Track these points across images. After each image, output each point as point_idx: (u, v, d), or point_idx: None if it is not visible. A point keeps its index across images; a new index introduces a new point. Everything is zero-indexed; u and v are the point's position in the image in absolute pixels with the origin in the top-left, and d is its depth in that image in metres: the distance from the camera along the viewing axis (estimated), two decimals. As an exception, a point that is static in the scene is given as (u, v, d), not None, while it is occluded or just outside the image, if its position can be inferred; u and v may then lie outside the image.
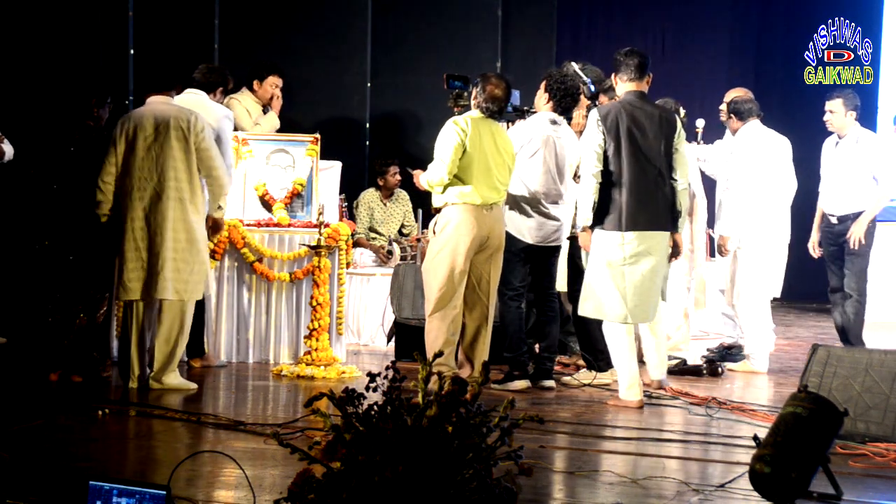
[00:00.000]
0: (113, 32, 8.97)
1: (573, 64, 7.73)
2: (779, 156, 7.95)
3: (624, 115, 6.37)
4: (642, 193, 6.35)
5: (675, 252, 6.55)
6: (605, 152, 6.37)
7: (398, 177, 9.63)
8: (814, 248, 8.14)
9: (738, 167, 7.86)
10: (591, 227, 6.44)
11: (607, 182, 6.38)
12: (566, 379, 7.20)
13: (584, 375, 7.17)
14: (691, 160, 7.64)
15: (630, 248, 6.36)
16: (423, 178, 6.83)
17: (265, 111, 8.50)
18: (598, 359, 7.13)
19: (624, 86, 6.51)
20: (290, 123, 8.90)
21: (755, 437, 4.58)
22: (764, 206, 7.85)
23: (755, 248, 7.87)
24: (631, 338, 6.51)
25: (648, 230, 6.38)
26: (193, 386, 6.64)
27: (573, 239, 7.20)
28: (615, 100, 7.11)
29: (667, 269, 6.58)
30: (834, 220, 7.93)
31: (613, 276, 6.39)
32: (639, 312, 6.44)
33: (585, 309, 6.57)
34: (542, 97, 7.13)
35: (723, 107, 8.40)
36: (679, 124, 6.57)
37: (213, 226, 6.85)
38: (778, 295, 8.16)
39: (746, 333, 7.91)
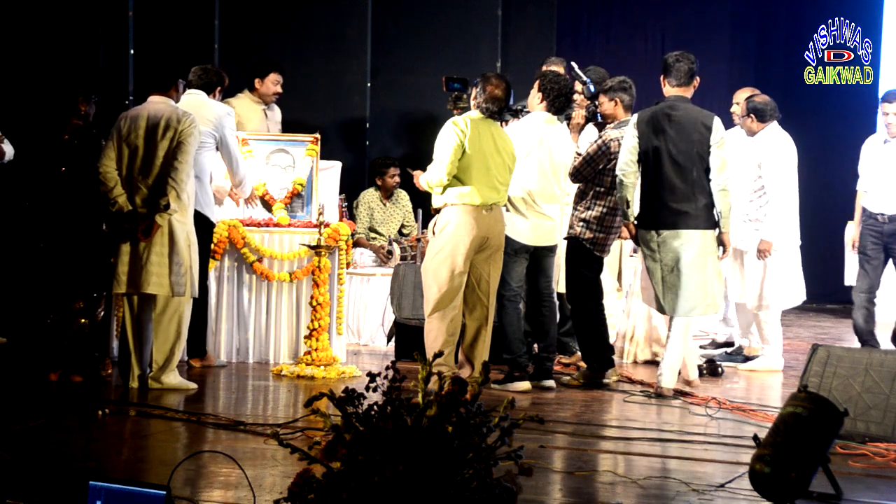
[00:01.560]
0: (113, 32, 8.98)
1: (573, 64, 7.73)
2: (796, 159, 7.98)
3: (661, 119, 6.71)
4: (676, 194, 6.70)
5: (723, 249, 6.85)
6: (640, 154, 6.71)
7: (397, 178, 9.63)
8: (854, 245, 8.18)
9: (776, 172, 7.81)
10: (636, 223, 6.81)
11: (645, 182, 6.79)
12: (566, 379, 7.20)
13: (584, 375, 7.17)
14: None
15: (664, 246, 6.71)
16: (422, 179, 6.83)
17: (270, 108, 8.51)
18: (598, 359, 7.13)
19: (671, 90, 6.82)
20: (290, 123, 8.90)
21: (755, 437, 4.59)
22: (794, 210, 7.90)
23: (789, 252, 7.91)
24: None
25: (682, 229, 6.70)
26: (193, 386, 6.64)
27: (571, 240, 7.20)
28: (605, 101, 7.16)
29: (714, 267, 6.80)
30: (884, 220, 7.92)
31: (653, 270, 6.79)
32: (673, 306, 6.77)
33: (644, 298, 7.19)
34: (535, 97, 7.11)
35: (735, 108, 8.36)
36: (717, 127, 6.79)
37: (145, 228, 6.49)
38: (805, 298, 8.25)
39: (769, 335, 7.90)
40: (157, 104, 6.64)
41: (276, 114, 8.60)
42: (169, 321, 6.58)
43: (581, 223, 7.14)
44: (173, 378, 6.59)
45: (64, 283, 6.85)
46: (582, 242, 7.13)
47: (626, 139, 6.76)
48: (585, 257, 7.16)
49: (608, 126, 7.26)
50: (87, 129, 7.00)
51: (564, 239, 7.27)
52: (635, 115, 6.82)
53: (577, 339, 7.40)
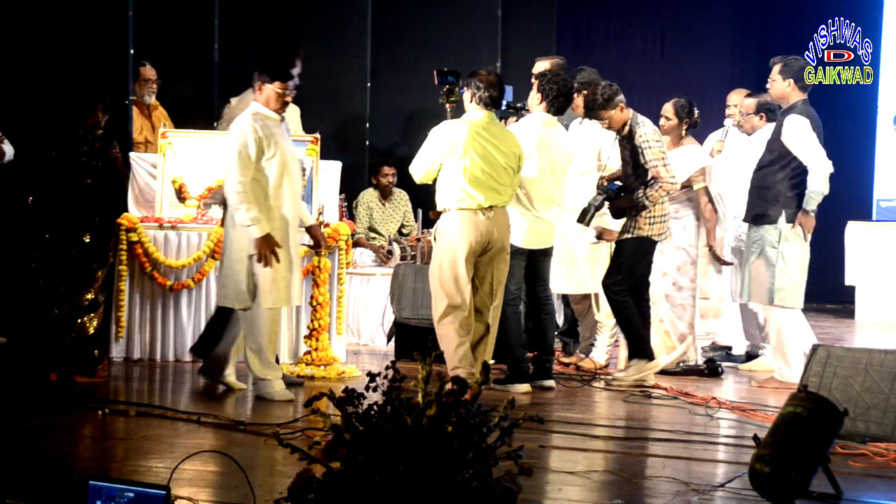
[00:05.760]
0: (113, 32, 8.97)
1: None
2: None
3: (818, 118, 7.27)
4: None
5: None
6: None
7: (391, 177, 9.63)
8: None
9: None
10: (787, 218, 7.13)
11: (803, 177, 7.16)
12: (617, 375, 7.11)
13: (636, 366, 7.03)
14: (713, 162, 7.69)
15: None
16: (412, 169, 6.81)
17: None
18: (647, 348, 7.08)
19: (798, 94, 7.28)
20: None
21: (755, 437, 4.58)
22: None
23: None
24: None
25: None
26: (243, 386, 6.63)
27: (639, 240, 7.02)
28: (615, 113, 7.03)
29: None
30: None
31: (801, 263, 7.08)
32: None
33: (784, 298, 7.10)
34: (534, 98, 7.05)
35: (731, 110, 8.33)
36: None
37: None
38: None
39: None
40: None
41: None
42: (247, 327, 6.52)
43: (647, 220, 6.99)
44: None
45: (70, 276, 6.86)
46: (651, 239, 7.04)
47: (814, 136, 7.12)
48: (650, 254, 7.10)
49: (640, 125, 6.97)
50: (94, 127, 7.02)
51: (627, 240, 7.06)
52: (806, 119, 7.16)
53: (622, 332, 7.22)
